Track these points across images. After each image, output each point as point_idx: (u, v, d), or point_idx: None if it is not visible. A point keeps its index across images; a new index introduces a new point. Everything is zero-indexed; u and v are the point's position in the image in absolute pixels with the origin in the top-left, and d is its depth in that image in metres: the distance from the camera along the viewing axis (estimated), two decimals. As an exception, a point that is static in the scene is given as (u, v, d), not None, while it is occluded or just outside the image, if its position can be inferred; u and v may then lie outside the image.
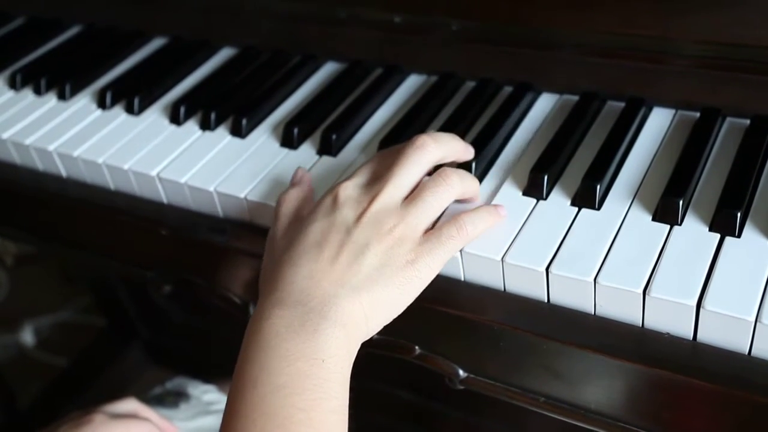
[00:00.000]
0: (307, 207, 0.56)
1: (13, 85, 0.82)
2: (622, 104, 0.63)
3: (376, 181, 0.53)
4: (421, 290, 0.50)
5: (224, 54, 0.82)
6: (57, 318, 1.75)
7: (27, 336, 1.72)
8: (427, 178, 0.55)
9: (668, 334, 0.48)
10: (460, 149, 0.57)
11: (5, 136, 0.74)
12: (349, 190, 0.53)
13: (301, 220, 0.54)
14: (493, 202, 0.56)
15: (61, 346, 1.69)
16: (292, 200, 0.57)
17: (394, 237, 0.50)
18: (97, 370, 1.57)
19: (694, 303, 0.46)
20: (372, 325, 0.49)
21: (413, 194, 0.53)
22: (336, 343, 0.46)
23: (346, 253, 0.49)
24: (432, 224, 0.53)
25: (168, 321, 1.46)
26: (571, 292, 0.50)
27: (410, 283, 0.49)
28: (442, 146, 0.55)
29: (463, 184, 0.54)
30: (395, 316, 0.50)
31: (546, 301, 0.52)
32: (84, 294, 1.74)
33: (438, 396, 1.19)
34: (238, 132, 0.68)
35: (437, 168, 0.55)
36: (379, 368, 1.21)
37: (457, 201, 0.56)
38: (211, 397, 0.98)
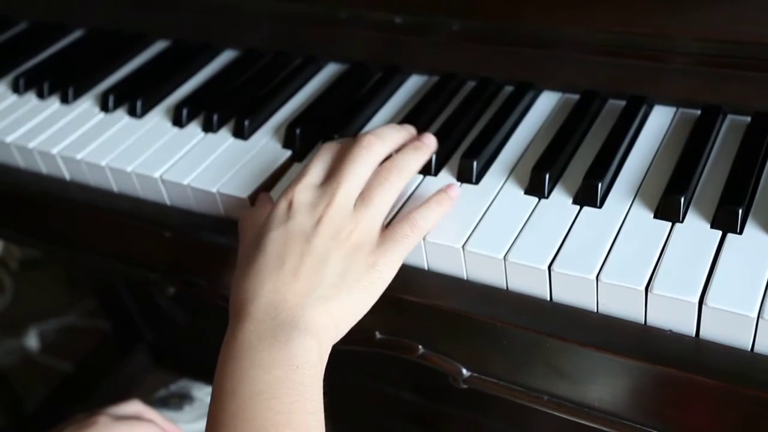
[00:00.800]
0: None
1: (17, 89, 0.82)
2: (623, 102, 0.63)
3: (328, 182, 0.54)
4: (384, 289, 0.52)
5: (226, 56, 0.82)
6: (61, 322, 1.75)
7: (31, 340, 1.72)
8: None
9: (671, 331, 0.48)
10: (404, 138, 0.59)
11: (9, 140, 0.74)
12: (302, 194, 0.54)
13: (258, 230, 0.54)
14: (495, 202, 0.56)
15: (66, 350, 1.69)
16: (250, 218, 0.57)
17: (352, 243, 0.52)
18: (101, 374, 1.57)
19: (696, 300, 0.46)
20: (341, 328, 0.51)
21: (362, 194, 0.54)
22: (308, 350, 0.48)
23: (308, 264, 0.50)
24: (387, 220, 0.55)
25: (172, 324, 1.47)
26: (574, 290, 0.50)
27: (373, 285, 0.51)
28: (387, 142, 0.57)
29: (402, 175, 0.56)
30: (361, 316, 0.52)
31: (548, 299, 0.52)
32: (88, 298, 1.74)
33: (441, 396, 1.19)
34: (241, 134, 0.69)
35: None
36: (382, 369, 1.22)
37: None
38: (215, 399, 0.98)
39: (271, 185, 0.63)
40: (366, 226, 0.53)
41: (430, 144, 0.59)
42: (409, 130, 0.61)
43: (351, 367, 1.29)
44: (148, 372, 1.59)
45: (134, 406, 0.82)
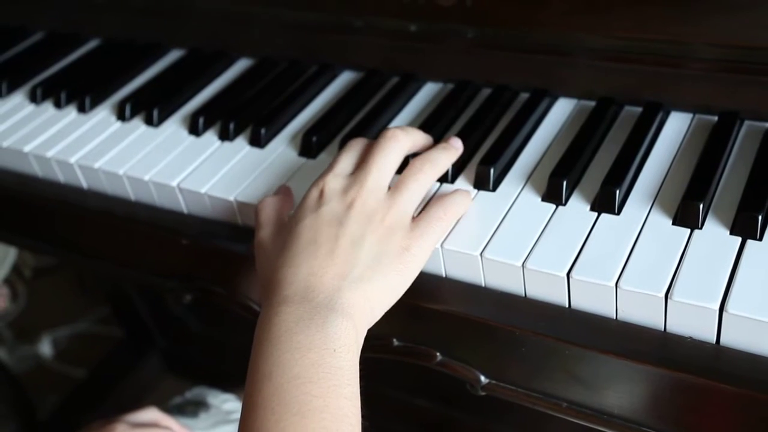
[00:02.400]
0: (287, 211, 0.58)
1: (34, 98, 0.83)
2: (640, 109, 0.63)
3: (358, 171, 0.56)
4: (418, 273, 0.53)
5: (241, 65, 0.83)
6: (75, 329, 1.76)
7: (45, 347, 1.73)
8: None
9: (691, 338, 0.48)
10: (426, 138, 0.61)
11: (27, 149, 0.75)
12: (333, 182, 0.55)
13: (285, 222, 0.56)
14: (513, 209, 0.57)
15: (79, 356, 1.70)
16: (271, 206, 0.58)
17: (386, 226, 0.52)
18: (115, 381, 1.58)
19: (716, 306, 0.46)
20: (377, 312, 0.52)
21: (397, 183, 0.55)
22: (345, 333, 0.48)
23: (343, 246, 0.51)
24: (418, 209, 0.56)
25: (185, 330, 1.47)
26: (593, 297, 0.50)
27: (407, 268, 0.52)
28: (411, 134, 0.59)
29: (436, 167, 0.58)
30: (397, 300, 0.52)
31: (567, 306, 0.52)
32: (101, 305, 1.75)
33: (456, 402, 1.19)
34: (257, 142, 0.69)
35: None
36: (395, 375, 1.22)
37: None
38: (230, 406, 0.99)
39: (288, 193, 0.63)
40: (399, 211, 0.53)
41: (458, 146, 0.61)
42: (429, 137, 0.62)
43: (364, 373, 1.29)
44: (161, 378, 1.59)
45: (151, 413, 0.82)
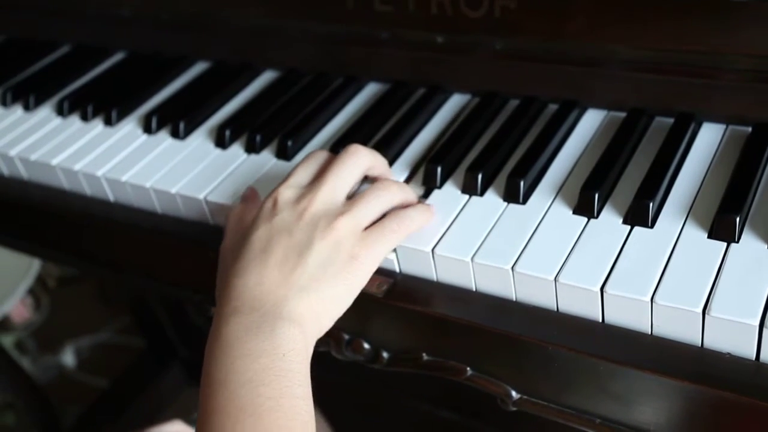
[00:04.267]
0: (251, 217, 0.58)
1: (61, 111, 0.83)
2: (671, 120, 0.62)
3: (314, 183, 0.56)
4: (364, 284, 0.53)
5: (266, 77, 0.83)
6: (97, 339, 1.77)
7: (68, 357, 1.74)
8: (366, 185, 0.59)
9: (729, 354, 0.47)
10: (384, 163, 0.61)
11: (54, 162, 0.75)
12: (287, 193, 0.56)
13: (245, 229, 0.56)
14: (543, 222, 0.56)
15: (101, 366, 1.71)
16: (238, 214, 0.59)
17: (335, 234, 0.53)
18: (137, 391, 1.58)
19: (756, 322, 0.45)
20: (324, 322, 0.52)
21: (358, 195, 0.56)
22: (293, 339, 0.50)
23: (291, 256, 0.52)
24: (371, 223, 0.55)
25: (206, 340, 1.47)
26: (627, 312, 0.50)
27: (355, 277, 0.52)
28: (373, 154, 0.59)
29: (402, 193, 0.58)
30: (344, 309, 0.53)
31: (600, 320, 0.51)
32: (123, 315, 1.76)
33: (479, 414, 1.18)
34: (284, 154, 0.69)
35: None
36: (418, 386, 1.21)
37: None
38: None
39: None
40: (352, 217, 0.54)
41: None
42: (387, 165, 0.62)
43: (386, 384, 1.29)
44: (182, 389, 1.60)
45: (176, 426, 0.82)
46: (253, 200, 0.61)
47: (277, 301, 0.51)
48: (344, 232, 0.53)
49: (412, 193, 0.59)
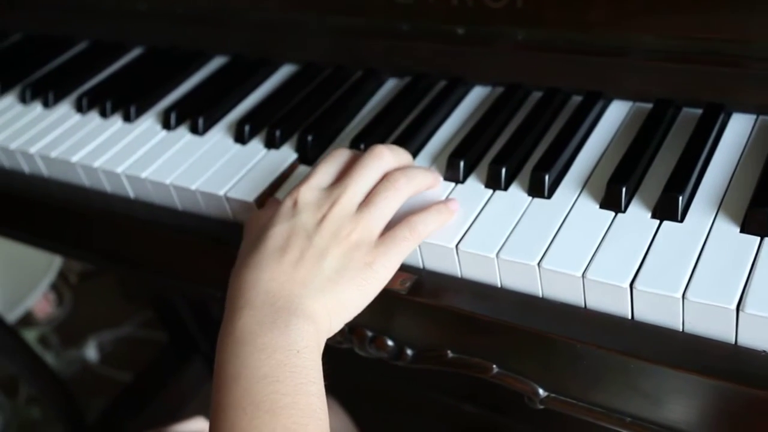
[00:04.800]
0: None
1: (80, 108, 0.83)
2: (699, 111, 0.60)
3: (335, 186, 0.56)
4: (379, 290, 0.53)
5: (285, 71, 0.82)
6: (119, 333, 1.78)
7: (91, 351, 1.75)
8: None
9: (765, 351, 0.46)
10: (410, 161, 0.60)
11: (74, 159, 0.75)
12: (308, 194, 0.56)
13: (262, 226, 0.56)
14: (569, 217, 0.55)
15: (124, 360, 1.72)
16: (256, 217, 0.59)
17: (352, 242, 0.53)
18: (159, 385, 1.59)
19: (793, 319, 0.44)
20: (334, 323, 0.52)
21: (366, 200, 0.55)
22: (307, 336, 0.49)
23: (308, 258, 0.52)
24: (386, 226, 0.55)
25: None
26: (658, 309, 0.48)
27: (369, 284, 0.52)
28: (396, 156, 0.59)
29: (411, 183, 0.57)
30: (356, 314, 0.53)
31: (630, 317, 0.50)
32: (145, 309, 1.76)
33: (503, 408, 1.17)
34: (304, 150, 0.68)
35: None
36: (441, 380, 1.20)
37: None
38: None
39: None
40: (366, 227, 0.54)
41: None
42: (434, 175, 0.60)
43: (408, 378, 1.28)
44: (204, 383, 1.60)
45: (198, 423, 0.82)
46: (273, 206, 0.60)
47: (291, 297, 0.51)
48: (359, 241, 0.53)
49: (424, 178, 0.58)
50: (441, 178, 0.61)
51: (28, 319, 1.79)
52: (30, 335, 1.74)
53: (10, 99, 0.89)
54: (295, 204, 0.55)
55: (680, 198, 0.52)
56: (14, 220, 0.87)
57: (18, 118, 0.84)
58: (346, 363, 0.75)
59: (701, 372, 0.46)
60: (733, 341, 0.47)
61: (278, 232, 0.54)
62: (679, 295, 0.47)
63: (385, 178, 0.57)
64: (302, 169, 0.67)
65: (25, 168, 0.81)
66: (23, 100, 0.88)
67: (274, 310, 0.50)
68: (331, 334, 0.53)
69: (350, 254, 0.52)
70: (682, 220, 0.52)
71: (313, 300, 0.51)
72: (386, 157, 0.58)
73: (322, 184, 0.57)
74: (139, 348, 1.74)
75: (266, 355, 0.48)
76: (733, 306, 0.45)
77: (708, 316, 0.46)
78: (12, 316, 1.67)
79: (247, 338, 0.49)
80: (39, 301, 1.79)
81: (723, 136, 0.59)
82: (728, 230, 0.50)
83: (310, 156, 0.68)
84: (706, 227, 0.51)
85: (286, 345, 0.48)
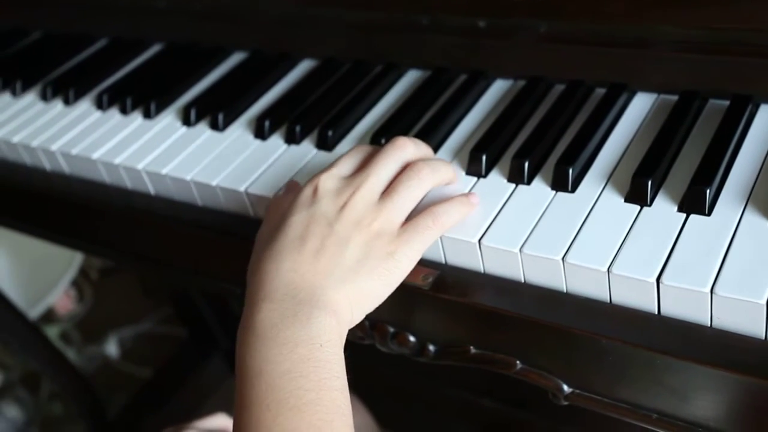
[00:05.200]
0: None
1: (100, 105, 0.83)
2: (726, 102, 0.59)
3: (355, 175, 0.55)
4: (401, 280, 0.52)
5: (305, 66, 0.82)
6: (139, 329, 1.79)
7: (111, 347, 1.76)
8: None
9: (795, 346, 0.45)
10: (429, 153, 0.60)
11: (95, 156, 0.75)
12: (329, 182, 0.55)
13: (282, 214, 0.55)
14: (594, 211, 0.54)
15: (144, 356, 1.73)
16: (278, 201, 0.58)
17: (373, 231, 0.52)
18: (179, 380, 1.60)
19: (825, 314, 0.43)
20: (356, 314, 0.52)
21: (389, 189, 0.55)
22: (329, 329, 0.49)
23: (329, 247, 0.51)
24: (408, 216, 0.55)
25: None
26: (685, 304, 0.48)
27: (391, 273, 0.52)
28: (421, 148, 0.58)
29: (434, 175, 0.56)
30: (378, 304, 0.52)
31: (656, 312, 0.49)
32: (164, 305, 1.77)
33: (523, 404, 1.16)
34: (324, 145, 0.68)
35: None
36: (460, 375, 1.20)
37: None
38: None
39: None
40: (388, 216, 0.53)
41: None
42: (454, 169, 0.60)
43: (428, 372, 1.28)
44: (224, 379, 1.61)
45: (220, 419, 0.82)
46: (294, 190, 0.60)
47: (313, 288, 0.50)
48: (380, 230, 0.52)
49: (446, 170, 0.58)
50: (460, 174, 0.60)
51: (49, 316, 1.80)
52: (52, 332, 1.76)
53: (31, 97, 0.89)
54: (315, 192, 0.54)
55: (708, 191, 0.51)
56: (36, 217, 0.87)
57: (39, 116, 0.85)
58: (366, 358, 0.75)
59: (729, 368, 0.45)
60: (762, 336, 0.46)
61: (298, 221, 0.53)
62: (707, 289, 0.46)
63: (408, 167, 0.56)
64: (322, 159, 0.67)
65: (47, 165, 0.81)
66: (44, 97, 0.88)
67: (296, 302, 0.49)
68: (352, 325, 0.52)
69: (372, 243, 0.52)
70: (709, 214, 0.51)
71: (335, 291, 0.50)
72: (408, 147, 0.57)
73: (342, 173, 0.56)
74: (159, 344, 1.75)
75: (288, 349, 0.47)
76: (763, 301, 0.44)
77: (737, 310, 0.46)
78: (34, 313, 1.68)
79: (269, 332, 0.48)
80: (60, 298, 1.80)
81: (751, 128, 0.58)
82: (757, 223, 0.50)
83: (330, 151, 0.68)
84: (735, 220, 0.50)
85: (309, 339, 0.48)
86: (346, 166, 0.57)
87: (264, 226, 0.57)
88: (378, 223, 0.52)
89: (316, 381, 0.47)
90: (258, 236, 0.57)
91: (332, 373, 0.48)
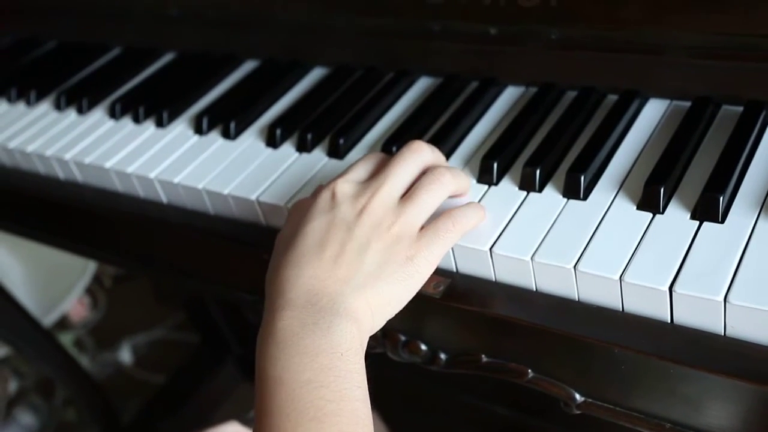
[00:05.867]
0: None
1: (113, 114, 0.83)
2: (739, 109, 0.59)
3: (373, 179, 0.55)
4: (422, 284, 0.52)
5: (316, 73, 0.82)
6: (153, 336, 1.80)
7: (125, 354, 1.77)
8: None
9: (810, 356, 0.44)
10: (443, 160, 0.59)
11: (108, 165, 0.76)
12: (347, 187, 0.54)
13: (301, 219, 0.55)
14: (606, 218, 0.54)
15: (158, 363, 1.73)
16: (301, 204, 0.58)
17: (393, 235, 0.52)
18: (193, 387, 1.60)
19: (841, 323, 0.42)
20: (377, 320, 0.51)
21: (409, 193, 0.54)
22: (350, 337, 0.48)
23: (348, 252, 0.51)
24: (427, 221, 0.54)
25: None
26: (698, 312, 0.47)
27: (411, 278, 0.51)
28: (436, 153, 0.58)
29: (455, 181, 0.56)
30: (398, 310, 0.52)
31: (669, 321, 0.49)
32: (177, 312, 1.78)
33: (537, 411, 1.16)
34: (336, 153, 0.68)
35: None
36: (474, 383, 1.19)
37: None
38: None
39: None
40: (407, 220, 0.52)
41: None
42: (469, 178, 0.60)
43: (441, 381, 1.28)
44: (236, 386, 1.61)
45: (232, 427, 0.82)
46: (317, 194, 0.60)
47: (333, 295, 0.49)
48: (400, 234, 0.52)
49: (465, 179, 0.58)
50: (471, 181, 0.60)
51: (63, 323, 1.81)
52: (66, 338, 1.76)
53: (45, 106, 0.90)
54: (333, 197, 0.54)
55: (721, 198, 0.51)
56: (50, 226, 0.88)
57: (53, 125, 0.85)
58: (379, 366, 0.74)
59: (743, 377, 0.45)
60: (778, 346, 0.45)
61: (317, 227, 0.52)
62: (721, 298, 0.46)
63: (428, 171, 0.56)
64: (333, 167, 0.67)
65: (60, 174, 0.82)
66: (58, 106, 0.89)
67: (316, 310, 0.49)
68: (373, 332, 0.51)
69: (392, 248, 0.51)
70: (723, 221, 0.51)
71: (355, 297, 0.49)
72: (425, 151, 0.57)
73: (358, 178, 0.56)
74: (172, 350, 1.76)
75: (309, 358, 0.47)
76: (778, 309, 0.44)
77: (751, 319, 0.45)
78: (48, 320, 1.69)
79: (289, 340, 0.48)
80: (74, 305, 1.81)
81: (765, 134, 0.57)
82: (771, 231, 0.49)
83: (341, 159, 0.68)
84: (748, 228, 0.50)
85: (330, 348, 0.47)
86: (361, 171, 0.57)
87: (285, 229, 0.57)
88: (397, 227, 0.52)
89: (337, 391, 0.46)
90: (278, 239, 0.57)
91: (353, 383, 0.47)
